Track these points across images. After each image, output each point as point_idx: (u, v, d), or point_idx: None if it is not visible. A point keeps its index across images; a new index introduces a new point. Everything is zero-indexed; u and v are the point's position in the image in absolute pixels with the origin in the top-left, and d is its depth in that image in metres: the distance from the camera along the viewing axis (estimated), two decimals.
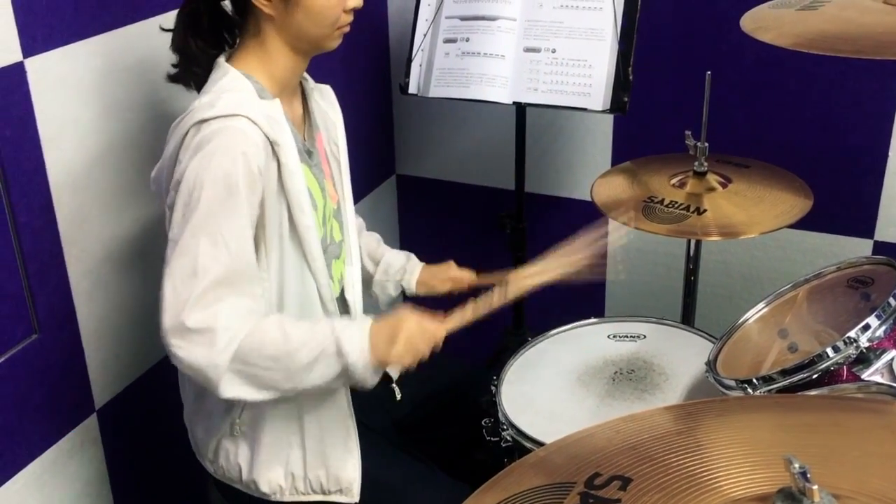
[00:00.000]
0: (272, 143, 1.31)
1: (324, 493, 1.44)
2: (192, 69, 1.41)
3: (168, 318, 1.25)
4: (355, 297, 1.55)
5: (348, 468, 1.44)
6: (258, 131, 1.29)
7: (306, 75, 1.54)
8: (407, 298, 1.72)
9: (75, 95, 1.48)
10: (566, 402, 1.55)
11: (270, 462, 1.43)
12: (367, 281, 1.70)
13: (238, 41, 1.42)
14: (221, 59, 1.38)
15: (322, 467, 1.43)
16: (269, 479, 1.43)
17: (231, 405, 1.41)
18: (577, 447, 0.90)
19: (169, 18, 1.43)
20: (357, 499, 1.44)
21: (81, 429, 1.58)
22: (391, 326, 1.32)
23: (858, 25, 1.33)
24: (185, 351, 1.25)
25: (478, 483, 1.07)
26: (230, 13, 1.42)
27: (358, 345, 1.28)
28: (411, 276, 1.70)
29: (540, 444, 1.44)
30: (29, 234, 1.42)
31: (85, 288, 1.54)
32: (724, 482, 0.80)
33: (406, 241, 2.60)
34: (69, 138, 1.48)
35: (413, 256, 1.74)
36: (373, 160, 2.49)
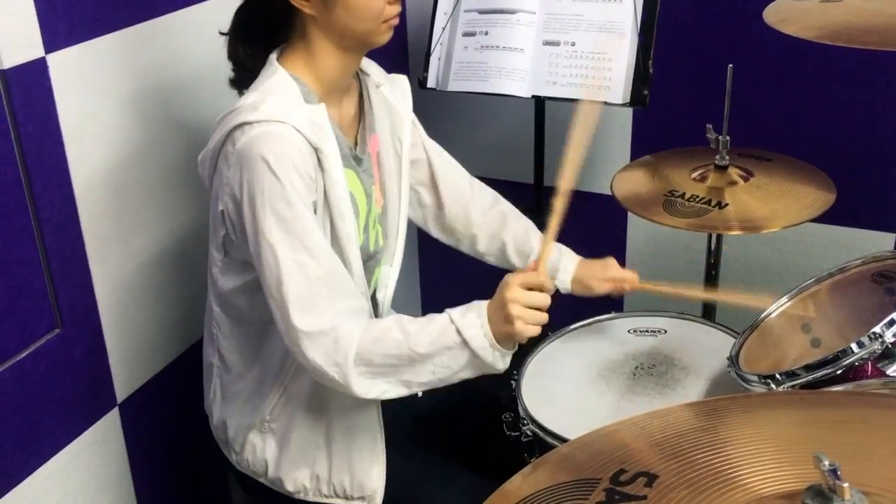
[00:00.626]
0: (316, 150, 1.30)
1: (346, 497, 1.44)
2: (245, 74, 1.39)
3: (281, 328, 1.27)
4: (386, 296, 1.55)
5: (373, 476, 1.44)
6: (302, 139, 1.27)
7: (374, 68, 1.53)
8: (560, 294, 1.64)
9: (97, 91, 1.48)
10: (587, 396, 1.54)
11: (297, 462, 1.43)
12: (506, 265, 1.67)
13: (288, 43, 1.40)
14: (273, 57, 1.37)
15: (347, 472, 1.43)
16: (295, 478, 1.44)
17: (264, 402, 1.42)
18: (602, 443, 0.90)
19: (189, 14, 1.43)
20: None
21: (103, 422, 1.59)
22: (498, 302, 1.27)
23: (884, 17, 1.32)
24: (305, 356, 1.26)
25: (498, 478, 1.08)
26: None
27: (479, 329, 1.26)
28: (566, 274, 1.63)
29: (561, 438, 1.44)
30: (51, 229, 1.43)
31: (107, 282, 1.55)
32: (751, 479, 0.80)
33: (424, 237, 2.60)
34: (91, 134, 1.48)
35: (567, 250, 1.66)
36: None
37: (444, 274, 2.51)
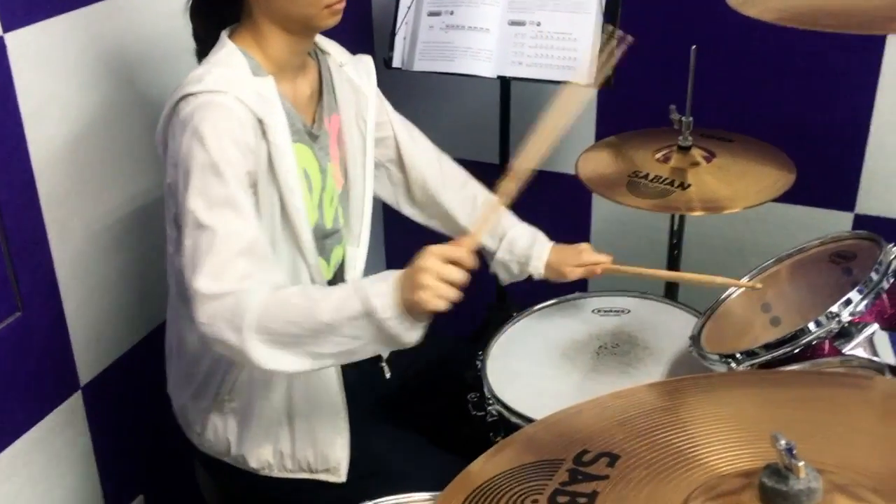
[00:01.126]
0: (260, 121, 1.30)
1: (311, 471, 1.45)
2: (204, 49, 1.40)
3: (189, 292, 1.22)
4: (355, 277, 1.55)
5: (336, 448, 1.44)
6: (245, 109, 1.28)
7: (336, 48, 1.53)
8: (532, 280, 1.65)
9: (57, 70, 1.46)
10: (551, 376, 1.56)
11: (259, 439, 1.43)
12: (488, 256, 1.66)
13: (239, 19, 1.41)
14: (224, 34, 1.38)
15: (310, 447, 1.44)
16: (258, 454, 1.44)
17: (219, 379, 1.41)
18: (566, 424, 0.91)
19: None
20: (344, 478, 1.45)
21: (66, 406, 1.58)
22: (413, 268, 1.20)
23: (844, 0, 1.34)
24: (207, 322, 1.21)
25: (465, 457, 1.08)
26: None
27: (387, 298, 1.18)
28: (539, 260, 1.63)
29: (525, 418, 1.45)
30: (11, 211, 1.41)
31: (68, 265, 1.53)
32: (711, 457, 0.81)
33: (389, 214, 2.59)
34: (51, 114, 1.46)
35: (541, 237, 1.66)
36: None
37: (411, 255, 2.52)
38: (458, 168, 1.74)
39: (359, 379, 1.47)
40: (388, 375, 1.60)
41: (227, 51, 1.35)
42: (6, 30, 1.36)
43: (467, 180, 1.73)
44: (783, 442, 0.71)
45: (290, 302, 1.22)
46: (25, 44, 1.39)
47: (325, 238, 1.48)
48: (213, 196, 1.24)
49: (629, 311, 1.72)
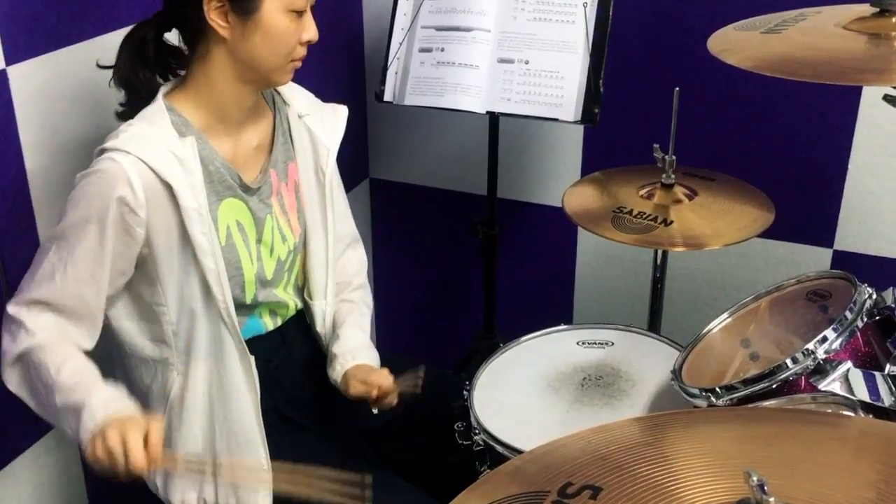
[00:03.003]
0: (162, 181, 1.31)
1: None
2: (140, 101, 1.38)
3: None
4: (325, 330, 1.57)
5: (259, 500, 1.43)
6: (150, 173, 1.30)
7: (303, 100, 1.55)
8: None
9: (56, 103, 1.49)
10: (537, 407, 1.60)
11: (184, 485, 1.44)
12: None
13: (183, 73, 1.41)
14: (161, 90, 1.38)
15: (233, 497, 1.43)
16: (183, 500, 1.45)
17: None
18: (551, 457, 0.94)
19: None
20: None
21: (59, 430, 1.60)
22: (120, 420, 1.23)
23: (819, 50, 1.39)
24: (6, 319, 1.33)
25: (449, 488, 1.10)
26: (178, 42, 1.42)
27: (98, 420, 1.24)
28: (341, 366, 1.55)
29: (511, 448, 1.48)
30: (9, 240, 1.44)
31: None
32: (689, 492, 0.85)
33: (379, 244, 2.63)
34: (50, 146, 1.49)
35: (369, 351, 1.58)
36: (347, 163, 2.50)
37: (397, 268, 2.55)
38: (357, 260, 1.72)
39: (339, 408, 1.47)
40: (375, 411, 1.60)
41: (155, 107, 1.35)
42: (9, 63, 1.40)
43: (354, 283, 1.69)
44: (755, 478, 0.75)
45: (47, 361, 1.30)
46: (26, 76, 1.43)
47: (266, 287, 1.50)
48: (65, 246, 1.31)
49: (613, 344, 1.76)
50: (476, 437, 1.54)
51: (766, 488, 0.75)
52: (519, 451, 1.47)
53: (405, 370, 1.54)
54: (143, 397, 1.43)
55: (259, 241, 1.47)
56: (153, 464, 1.23)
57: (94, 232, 1.29)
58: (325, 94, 2.33)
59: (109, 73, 1.56)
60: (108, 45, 1.57)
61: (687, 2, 2.08)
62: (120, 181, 1.28)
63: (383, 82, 2.05)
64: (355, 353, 1.56)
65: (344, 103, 2.40)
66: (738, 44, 1.47)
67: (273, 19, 1.34)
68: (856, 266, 2.10)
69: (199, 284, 1.37)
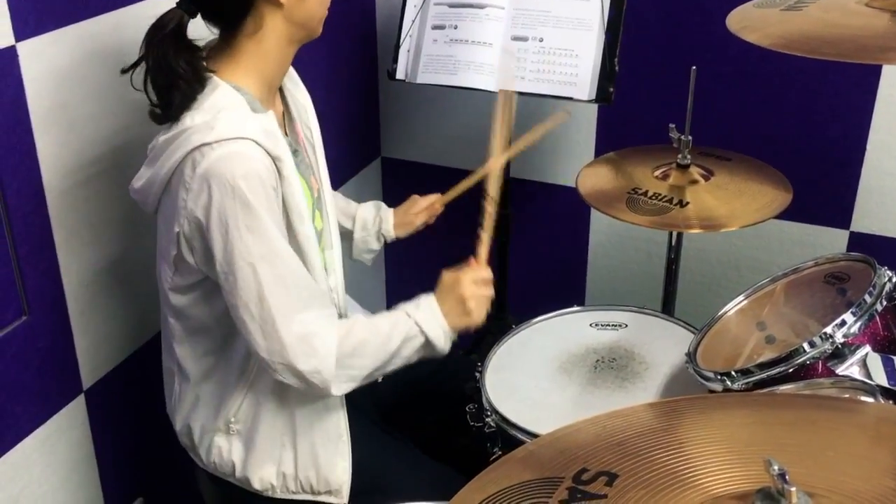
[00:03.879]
0: (274, 160, 1.30)
1: (314, 493, 1.47)
2: (179, 93, 1.30)
3: (260, 345, 1.30)
4: (337, 281, 1.56)
5: (338, 471, 1.46)
6: (261, 151, 1.28)
7: None
8: (388, 245, 1.81)
9: (66, 79, 1.48)
10: (549, 389, 1.58)
11: (263, 461, 1.45)
12: (346, 236, 1.74)
13: (221, 49, 1.36)
14: (211, 75, 1.33)
15: (313, 468, 1.45)
16: (262, 476, 1.45)
17: (227, 405, 1.44)
18: (565, 442, 0.93)
19: (159, 4, 1.40)
20: (346, 500, 1.47)
21: (69, 409, 1.60)
22: (456, 298, 1.42)
23: (841, 28, 1.36)
24: (287, 369, 1.31)
25: (463, 466, 1.10)
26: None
27: (436, 323, 1.40)
28: (387, 223, 1.76)
29: (523, 430, 1.48)
30: (20, 217, 1.43)
31: (74, 271, 1.55)
32: (706, 479, 0.84)
33: None
34: (60, 122, 1.48)
35: (382, 204, 1.79)
36: (358, 143, 2.50)
37: (410, 262, 2.54)
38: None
39: (361, 394, 1.48)
40: (380, 379, 1.62)
41: (223, 91, 1.31)
42: (18, 39, 1.38)
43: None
44: (776, 467, 0.74)
45: (361, 338, 1.37)
46: (36, 53, 1.41)
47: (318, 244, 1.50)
48: (264, 249, 1.28)
49: (626, 326, 1.74)
50: (487, 419, 1.53)
51: (787, 477, 0.73)
52: (531, 434, 1.46)
53: None
54: (224, 368, 1.44)
55: (311, 200, 1.47)
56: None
57: (261, 216, 1.26)
58: (337, 73, 2.32)
59: (116, 48, 1.55)
60: (116, 21, 1.55)
61: None
62: (257, 164, 1.26)
63: (395, 60, 2.03)
64: (381, 208, 1.77)
65: (356, 82, 2.40)
66: (757, 21, 1.44)
67: None
68: (873, 248, 2.08)
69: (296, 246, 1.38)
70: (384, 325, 1.39)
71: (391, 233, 1.77)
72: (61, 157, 1.49)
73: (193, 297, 1.39)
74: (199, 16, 1.36)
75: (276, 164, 1.31)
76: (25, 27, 1.38)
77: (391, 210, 1.78)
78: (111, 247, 1.63)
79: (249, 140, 1.26)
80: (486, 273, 1.47)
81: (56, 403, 1.58)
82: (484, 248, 1.53)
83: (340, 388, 1.36)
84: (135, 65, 1.34)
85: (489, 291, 1.46)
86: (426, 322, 1.40)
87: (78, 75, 1.50)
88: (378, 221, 1.75)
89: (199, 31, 1.40)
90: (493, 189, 1.58)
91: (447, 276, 1.46)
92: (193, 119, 1.28)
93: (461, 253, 1.68)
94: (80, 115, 1.51)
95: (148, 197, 1.36)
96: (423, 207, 1.77)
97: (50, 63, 1.44)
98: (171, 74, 1.30)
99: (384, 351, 1.38)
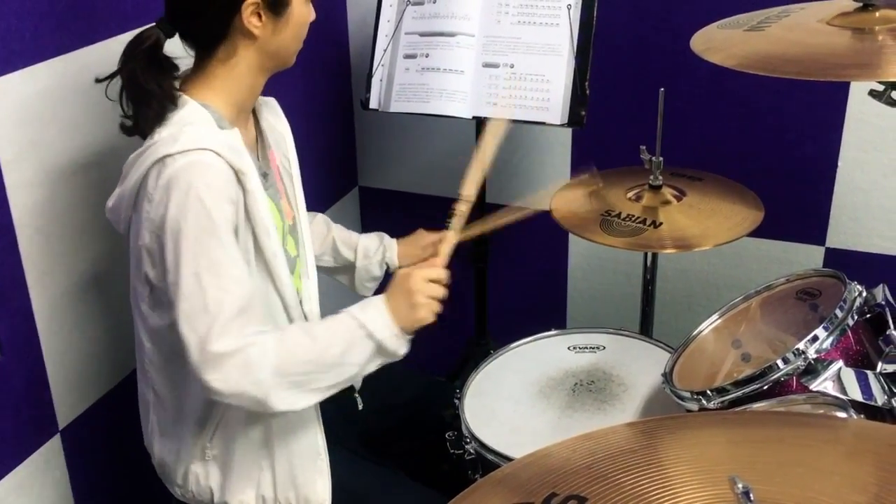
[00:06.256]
0: (237, 173, 1.32)
1: None
2: (150, 110, 1.34)
3: (195, 356, 1.27)
4: (312, 307, 1.56)
5: (318, 489, 1.45)
6: (223, 163, 1.30)
7: None
8: (389, 275, 1.75)
9: (36, 117, 1.48)
10: (528, 414, 1.58)
11: (241, 485, 1.44)
12: (348, 268, 1.75)
13: (194, 70, 1.40)
14: (181, 93, 1.37)
15: (292, 489, 1.45)
16: (241, 500, 1.44)
17: (202, 431, 1.42)
18: (536, 466, 0.93)
19: (126, 39, 1.41)
20: None
21: (45, 449, 1.58)
22: (403, 292, 1.39)
23: (803, 46, 1.37)
24: (223, 380, 1.27)
25: (446, 492, 1.09)
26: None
27: (382, 321, 1.35)
28: (391, 252, 1.75)
29: (503, 456, 1.47)
30: None
31: (47, 309, 1.54)
32: (674, 501, 0.83)
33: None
34: (30, 161, 1.48)
35: (385, 235, 1.79)
36: (335, 172, 2.50)
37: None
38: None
39: (332, 413, 1.48)
40: (360, 407, 1.61)
41: (190, 108, 1.34)
42: None
43: (315, 217, 1.78)
44: (740, 485, 0.74)
45: (297, 342, 1.32)
46: (6, 91, 1.41)
47: (292, 272, 1.50)
48: (212, 259, 1.27)
49: (604, 348, 1.74)
50: (467, 447, 1.52)
51: (751, 495, 0.73)
52: (510, 460, 1.45)
53: (398, 376, 1.54)
54: (197, 394, 1.41)
55: (283, 225, 1.49)
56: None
57: (217, 226, 1.27)
58: (312, 103, 2.32)
59: (85, 85, 1.55)
60: (86, 58, 1.56)
61: (671, 2, 2.07)
62: (216, 173, 1.28)
63: (368, 90, 2.04)
64: (384, 238, 1.76)
65: (331, 112, 2.40)
66: (720, 42, 1.45)
67: (300, 11, 1.39)
68: (848, 263, 2.09)
69: (257, 268, 1.38)
70: (319, 328, 1.36)
71: (395, 261, 1.75)
72: (32, 195, 1.49)
73: (170, 316, 1.38)
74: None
75: (238, 178, 1.32)
76: None
77: (394, 241, 1.77)
78: (84, 284, 1.62)
79: (211, 151, 1.28)
80: (442, 273, 1.45)
81: (32, 444, 1.56)
82: (446, 247, 1.52)
83: (280, 398, 1.29)
84: (110, 77, 1.37)
85: (440, 291, 1.42)
86: (372, 321, 1.35)
87: (47, 113, 1.50)
88: (382, 250, 1.75)
89: (180, 49, 1.41)
90: (469, 190, 1.58)
91: (400, 271, 1.44)
92: (161, 133, 1.31)
93: (453, 280, 1.70)
94: (49, 152, 1.51)
95: (120, 214, 1.37)
96: (431, 243, 1.71)
97: (19, 101, 1.44)
98: (140, 91, 1.33)
99: (327, 354, 1.32)
